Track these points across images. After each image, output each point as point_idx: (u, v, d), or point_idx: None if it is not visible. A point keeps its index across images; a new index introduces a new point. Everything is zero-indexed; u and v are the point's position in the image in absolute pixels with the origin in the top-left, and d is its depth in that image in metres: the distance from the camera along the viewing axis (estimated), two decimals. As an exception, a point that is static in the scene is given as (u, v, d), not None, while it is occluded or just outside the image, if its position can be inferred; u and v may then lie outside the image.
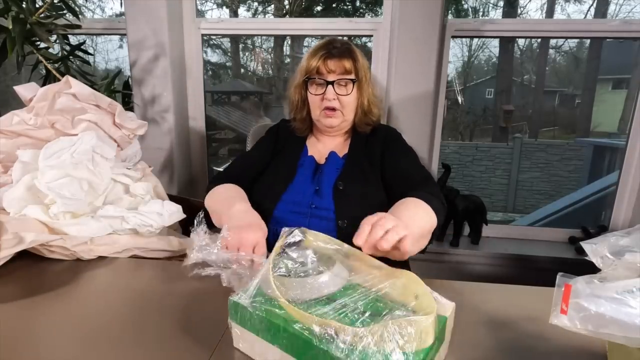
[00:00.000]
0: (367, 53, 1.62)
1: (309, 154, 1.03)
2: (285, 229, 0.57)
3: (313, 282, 0.51)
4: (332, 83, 0.95)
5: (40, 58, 1.32)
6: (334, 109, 0.97)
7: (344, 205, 0.90)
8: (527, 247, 1.67)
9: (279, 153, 1.05)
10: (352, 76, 0.96)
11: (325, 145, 1.05)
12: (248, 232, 0.71)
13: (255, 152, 1.08)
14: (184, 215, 0.99)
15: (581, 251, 1.60)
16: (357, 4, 3.93)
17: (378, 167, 0.97)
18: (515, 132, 6.32)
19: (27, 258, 0.78)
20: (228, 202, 0.85)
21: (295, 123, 1.06)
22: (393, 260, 0.65)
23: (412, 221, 0.71)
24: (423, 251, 0.82)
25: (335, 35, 1.62)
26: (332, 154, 1.01)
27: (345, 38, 1.15)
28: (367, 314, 0.46)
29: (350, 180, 0.94)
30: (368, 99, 1.00)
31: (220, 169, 2.40)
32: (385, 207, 0.80)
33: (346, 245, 0.58)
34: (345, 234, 0.78)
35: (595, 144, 4.19)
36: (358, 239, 0.60)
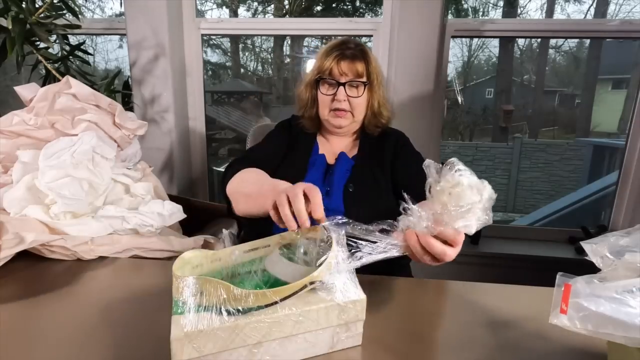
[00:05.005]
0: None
1: (320, 152, 1.02)
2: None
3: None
4: (343, 85, 0.95)
5: (40, 58, 1.32)
6: (343, 110, 0.96)
7: (354, 208, 0.89)
8: (527, 247, 1.67)
9: (291, 150, 1.03)
10: (364, 79, 0.96)
11: (334, 145, 1.04)
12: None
13: (271, 145, 1.04)
14: (185, 215, 0.99)
15: (581, 251, 1.59)
16: (357, 4, 3.93)
17: (389, 173, 0.97)
18: (515, 132, 6.31)
19: (27, 258, 0.78)
20: (270, 184, 0.75)
21: (304, 120, 1.06)
22: (392, 262, 0.63)
23: None
24: None
25: (335, 35, 1.62)
26: (342, 154, 1.00)
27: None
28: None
29: (360, 183, 0.93)
30: (379, 101, 1.00)
31: (221, 169, 2.40)
32: (393, 211, 0.78)
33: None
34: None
35: (595, 144, 4.20)
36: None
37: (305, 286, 0.49)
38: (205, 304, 0.47)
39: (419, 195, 0.82)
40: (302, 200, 0.57)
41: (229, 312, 0.47)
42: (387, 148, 1.00)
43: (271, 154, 1.01)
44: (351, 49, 0.96)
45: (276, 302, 0.48)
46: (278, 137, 1.06)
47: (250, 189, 0.79)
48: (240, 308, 0.47)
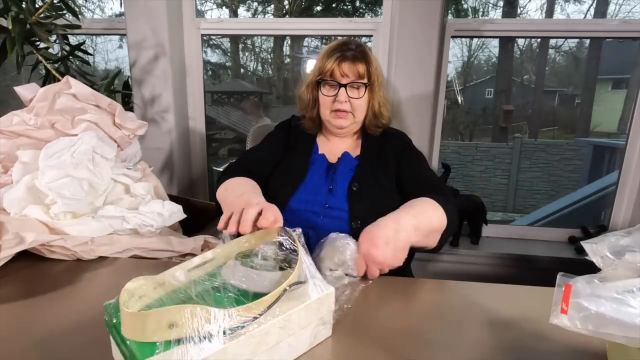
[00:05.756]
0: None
1: (320, 152, 1.03)
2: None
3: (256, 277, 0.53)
4: (344, 86, 0.95)
5: (40, 58, 1.32)
6: (344, 111, 0.97)
7: (358, 206, 0.90)
8: (527, 247, 1.67)
9: (290, 150, 1.04)
10: (365, 80, 0.97)
11: (336, 145, 1.04)
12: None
13: (269, 146, 1.06)
14: (184, 215, 0.99)
15: (581, 251, 1.60)
16: (357, 4, 3.93)
17: (392, 173, 0.98)
18: (515, 132, 6.33)
19: (27, 258, 0.78)
20: (245, 197, 0.80)
21: (305, 121, 1.06)
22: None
23: (421, 215, 0.78)
24: (436, 250, 0.86)
25: (335, 36, 1.62)
26: (346, 154, 1.01)
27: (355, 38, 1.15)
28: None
29: (364, 182, 0.94)
30: (379, 101, 1.01)
31: (221, 169, 2.40)
32: (396, 210, 0.81)
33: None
34: (358, 234, 0.78)
35: (595, 143, 4.21)
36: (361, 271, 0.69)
37: (285, 290, 0.49)
38: (186, 335, 0.41)
39: (421, 195, 0.84)
40: (253, 213, 0.64)
41: (211, 337, 0.42)
42: (390, 148, 1.01)
43: (269, 156, 1.03)
44: (352, 50, 0.96)
45: (261, 314, 0.46)
46: (277, 138, 1.07)
47: (229, 200, 0.84)
48: (225, 330, 0.43)
